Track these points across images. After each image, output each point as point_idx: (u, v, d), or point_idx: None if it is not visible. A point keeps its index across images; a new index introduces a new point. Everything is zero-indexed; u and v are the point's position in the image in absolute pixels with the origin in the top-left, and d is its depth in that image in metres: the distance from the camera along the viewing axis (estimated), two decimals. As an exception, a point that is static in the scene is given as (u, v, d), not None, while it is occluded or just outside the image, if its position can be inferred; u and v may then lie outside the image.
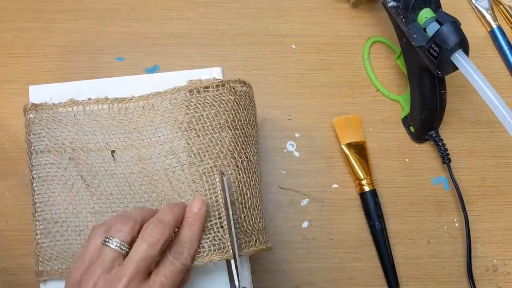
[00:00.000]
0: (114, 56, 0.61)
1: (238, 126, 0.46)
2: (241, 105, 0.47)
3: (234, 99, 0.46)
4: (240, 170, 0.45)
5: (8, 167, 0.57)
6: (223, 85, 0.46)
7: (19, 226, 0.55)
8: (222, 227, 0.43)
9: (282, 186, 0.58)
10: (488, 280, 0.56)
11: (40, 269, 0.46)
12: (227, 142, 0.45)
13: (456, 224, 0.58)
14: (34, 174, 0.47)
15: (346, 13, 0.64)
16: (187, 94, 0.46)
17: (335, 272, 0.56)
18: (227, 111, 0.46)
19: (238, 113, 0.46)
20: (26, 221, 0.54)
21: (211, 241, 0.42)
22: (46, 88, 0.49)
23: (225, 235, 0.42)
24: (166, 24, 0.62)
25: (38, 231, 0.46)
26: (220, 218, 0.43)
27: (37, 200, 0.47)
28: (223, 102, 0.46)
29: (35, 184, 0.47)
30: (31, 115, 0.48)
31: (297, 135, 0.59)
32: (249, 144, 0.47)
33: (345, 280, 0.56)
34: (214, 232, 0.42)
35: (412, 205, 0.58)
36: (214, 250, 0.42)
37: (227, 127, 0.45)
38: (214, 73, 0.49)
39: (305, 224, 0.57)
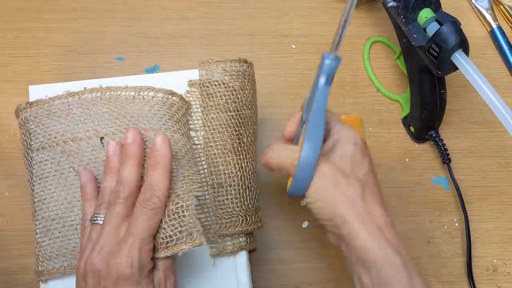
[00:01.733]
0: (114, 56, 0.61)
1: (231, 108, 0.46)
2: (236, 86, 0.47)
3: (229, 80, 0.47)
4: (229, 152, 0.46)
5: (8, 167, 0.57)
6: (218, 63, 0.47)
7: (19, 226, 0.55)
8: (188, 210, 0.40)
9: (282, 186, 0.58)
10: (488, 280, 0.56)
11: (40, 269, 0.46)
12: (216, 124, 0.46)
13: (456, 224, 0.58)
14: (32, 173, 0.47)
15: (346, 13, 0.64)
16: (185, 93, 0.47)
17: (335, 272, 0.56)
18: (220, 93, 0.47)
19: (233, 95, 0.47)
20: (26, 221, 0.54)
21: (176, 228, 0.40)
22: (46, 88, 0.49)
23: (191, 219, 0.40)
24: (166, 24, 0.62)
25: (38, 230, 0.46)
26: (188, 200, 0.41)
27: (36, 199, 0.47)
28: (216, 84, 0.47)
29: (33, 184, 0.47)
30: (26, 114, 0.48)
31: (297, 135, 0.59)
32: (243, 126, 0.47)
33: (345, 280, 0.55)
34: (180, 217, 0.40)
35: (412, 205, 0.58)
36: (182, 238, 0.40)
37: (218, 110, 0.46)
38: None
39: (305, 224, 0.57)
